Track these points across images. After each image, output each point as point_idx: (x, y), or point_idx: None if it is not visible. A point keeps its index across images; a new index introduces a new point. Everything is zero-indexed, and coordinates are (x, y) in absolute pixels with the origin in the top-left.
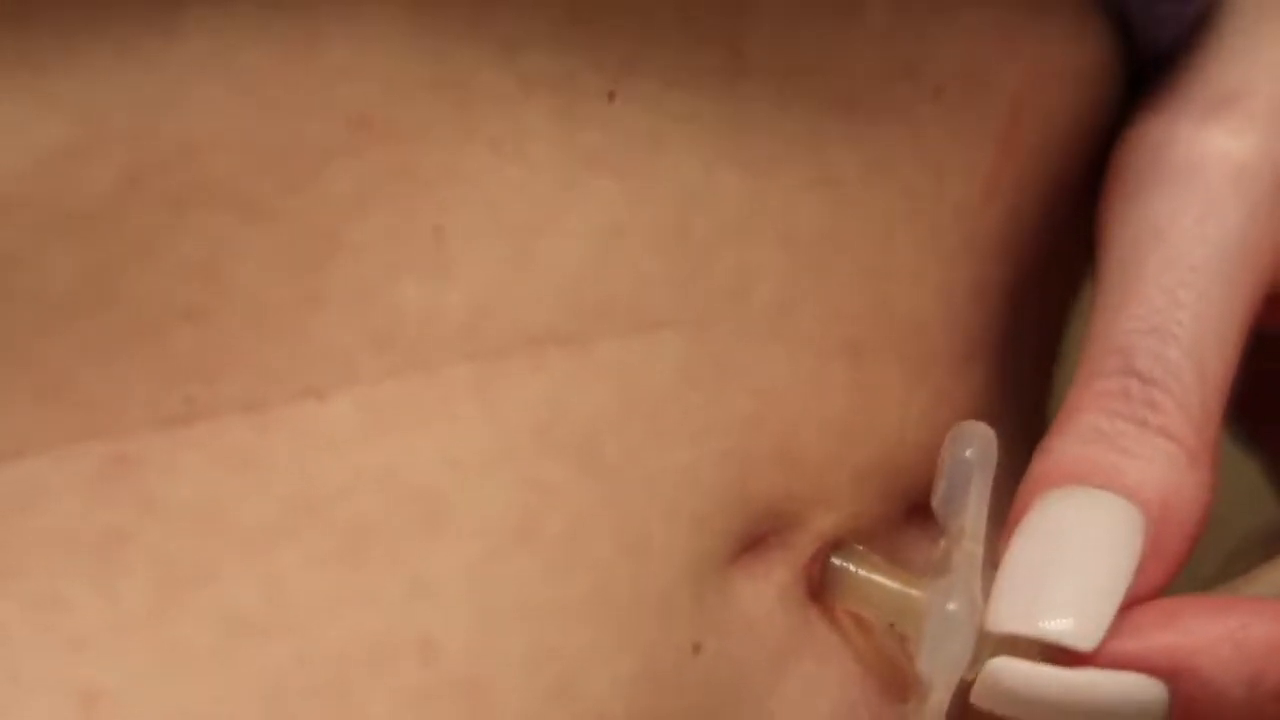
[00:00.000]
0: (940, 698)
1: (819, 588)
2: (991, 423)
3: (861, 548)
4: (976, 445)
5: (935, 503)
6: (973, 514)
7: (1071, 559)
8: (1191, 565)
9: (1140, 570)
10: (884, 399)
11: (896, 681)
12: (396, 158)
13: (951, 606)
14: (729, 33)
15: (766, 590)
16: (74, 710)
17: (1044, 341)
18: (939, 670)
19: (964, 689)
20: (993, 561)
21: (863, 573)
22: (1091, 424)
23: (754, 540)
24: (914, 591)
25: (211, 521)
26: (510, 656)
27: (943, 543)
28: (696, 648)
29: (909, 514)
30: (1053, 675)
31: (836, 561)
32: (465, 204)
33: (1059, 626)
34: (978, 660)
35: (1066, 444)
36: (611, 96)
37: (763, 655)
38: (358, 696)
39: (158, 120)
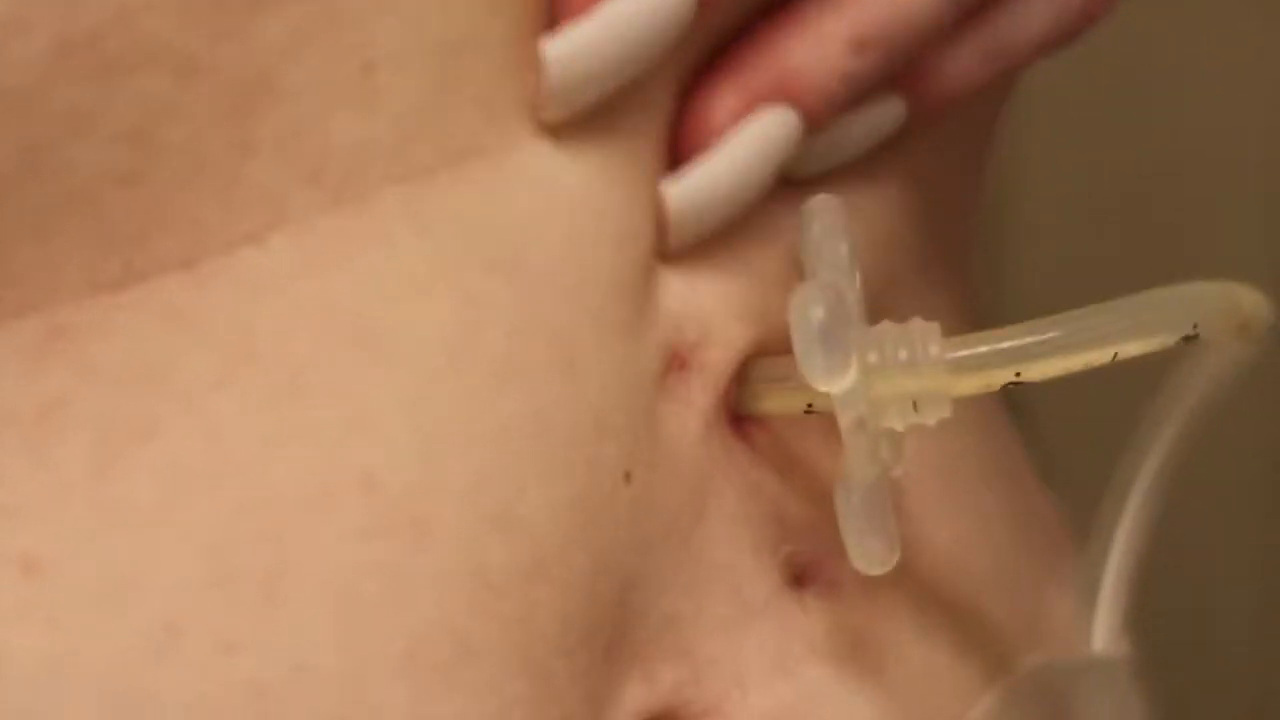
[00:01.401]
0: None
1: (737, 412)
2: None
3: (776, 358)
4: (818, 204)
5: (803, 261)
6: (825, 252)
7: None
8: None
9: None
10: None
11: (819, 502)
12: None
13: (819, 310)
14: None
15: (690, 418)
16: (14, 578)
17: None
18: (821, 368)
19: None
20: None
21: (777, 372)
22: None
23: (674, 355)
24: None
25: (150, 379)
26: (449, 486)
27: None
28: (627, 476)
29: None
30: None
31: (752, 375)
32: (391, 35)
33: None
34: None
35: None
36: None
37: (688, 490)
38: (301, 539)
39: None
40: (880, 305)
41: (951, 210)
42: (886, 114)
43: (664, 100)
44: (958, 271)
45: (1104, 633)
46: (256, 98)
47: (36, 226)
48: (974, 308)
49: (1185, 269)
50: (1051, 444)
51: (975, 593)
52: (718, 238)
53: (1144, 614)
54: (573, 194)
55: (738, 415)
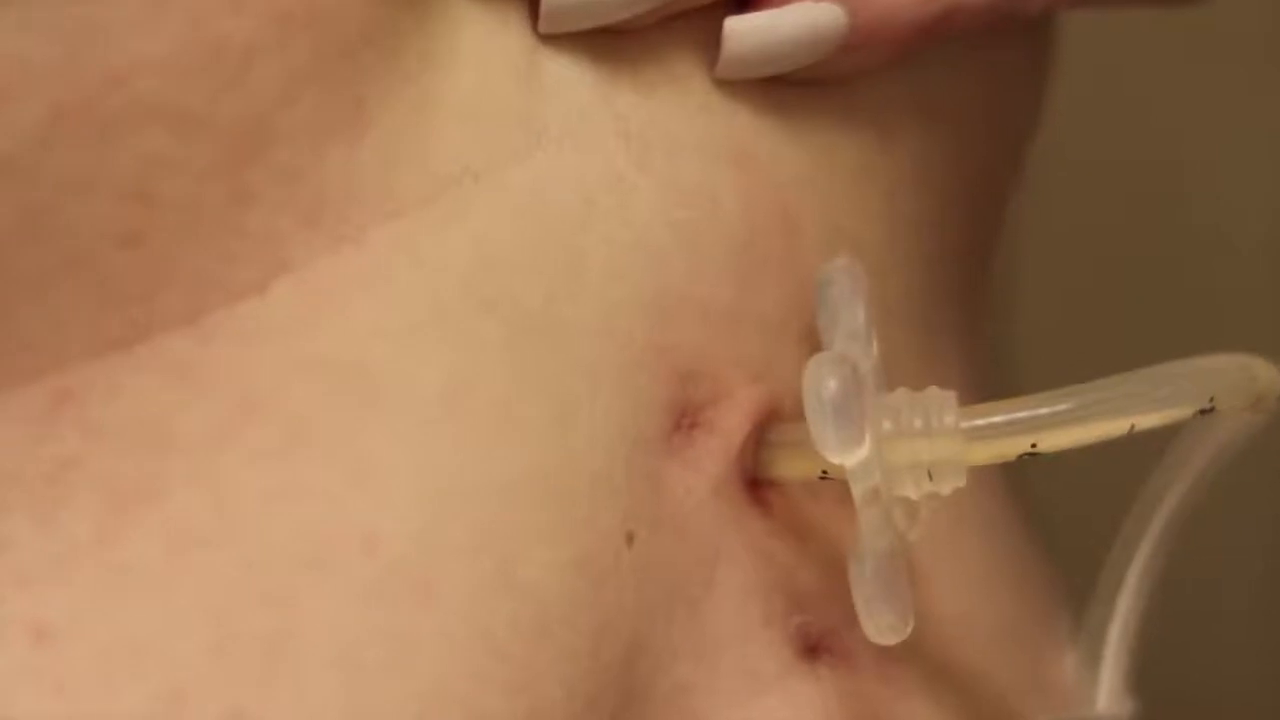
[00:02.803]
0: (862, 471)
1: (752, 475)
2: (903, 248)
3: (791, 424)
4: (836, 268)
5: (820, 328)
6: (842, 318)
7: None
8: None
9: None
10: (774, 219)
11: (832, 571)
12: (319, 43)
13: (832, 382)
14: None
15: (699, 483)
16: (24, 645)
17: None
18: (834, 441)
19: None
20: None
21: (793, 437)
22: None
23: (681, 414)
24: None
25: (155, 438)
26: (451, 544)
27: None
28: (630, 537)
29: None
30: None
31: (767, 440)
32: (379, 68)
33: None
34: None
35: None
36: None
37: (696, 555)
38: (304, 600)
39: (81, 52)
40: (890, 361)
41: (965, 232)
42: (821, 16)
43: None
44: (975, 317)
45: (1108, 693)
46: (254, 145)
47: (40, 289)
48: (988, 358)
49: (1194, 336)
50: (1054, 501)
51: (982, 656)
52: (734, 294)
53: (1146, 674)
54: (556, 219)
55: (752, 479)
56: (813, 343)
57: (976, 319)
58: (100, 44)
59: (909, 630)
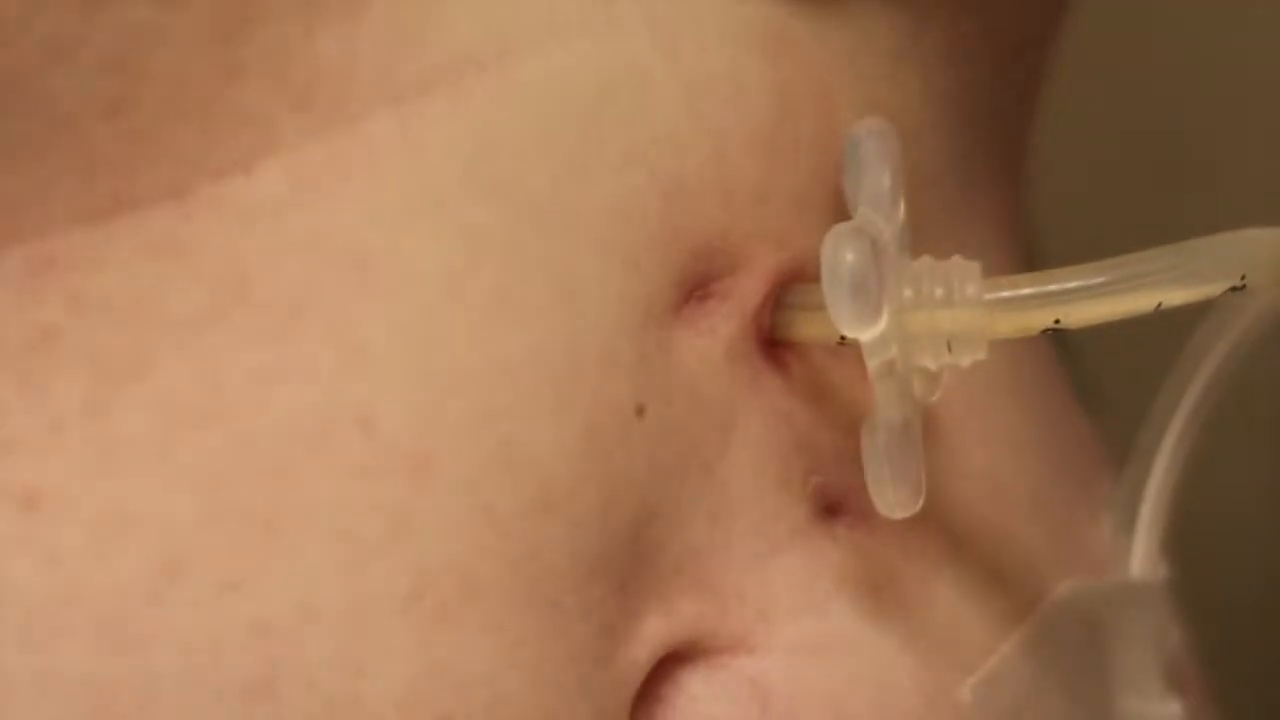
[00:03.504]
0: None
1: (769, 334)
2: (939, 124)
3: (810, 286)
4: (864, 129)
5: (845, 191)
6: (866, 182)
7: None
8: None
9: None
10: (808, 100)
11: (852, 431)
12: None
13: (850, 256)
14: None
15: (712, 347)
16: (13, 511)
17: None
18: (850, 316)
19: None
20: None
21: (811, 301)
22: None
23: (695, 286)
24: None
25: (142, 312)
26: (450, 423)
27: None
28: (640, 410)
29: None
30: None
31: (786, 302)
32: None
33: None
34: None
35: None
36: None
37: (710, 419)
38: (300, 478)
39: None
40: (911, 202)
41: (998, 108)
42: None
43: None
44: (1003, 176)
45: (1142, 557)
46: (240, 19)
47: (21, 155)
48: (1019, 218)
49: (1226, 209)
50: (1091, 366)
51: (1009, 520)
52: (761, 174)
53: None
54: (571, 110)
55: (770, 339)
56: (841, 209)
57: (1011, 187)
58: None
59: (919, 506)
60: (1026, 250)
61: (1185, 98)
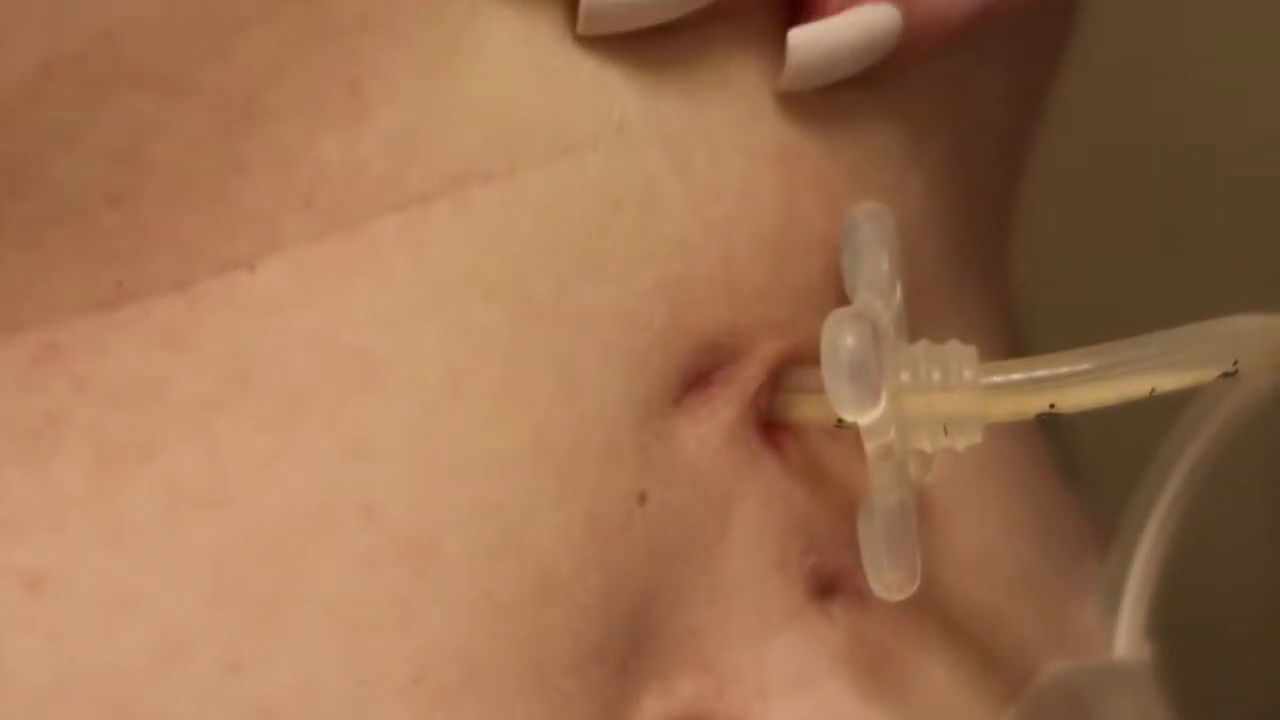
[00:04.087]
0: (875, 427)
1: (767, 418)
2: (938, 222)
3: (809, 369)
4: (863, 213)
5: (844, 274)
6: (865, 266)
7: None
8: None
9: None
10: (817, 207)
11: (848, 512)
12: (311, 17)
13: (850, 340)
14: None
15: (712, 432)
16: (17, 592)
17: (1004, 145)
18: (849, 400)
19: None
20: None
21: (810, 384)
22: None
23: (697, 377)
24: None
25: (145, 398)
26: (453, 513)
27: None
28: (642, 497)
29: None
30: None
31: (784, 385)
32: (380, 53)
33: None
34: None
35: None
36: None
37: (709, 503)
38: (304, 563)
39: (71, 8)
40: (911, 300)
41: (988, 199)
42: (879, 20)
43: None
44: (994, 264)
45: (1127, 637)
46: (244, 117)
47: (26, 241)
48: (1007, 307)
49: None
50: (1079, 446)
51: (1000, 601)
52: (767, 275)
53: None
54: (579, 221)
55: (768, 421)
56: (844, 297)
57: (1000, 270)
58: (91, 2)
59: (915, 587)
60: (1016, 333)
61: (1178, 177)
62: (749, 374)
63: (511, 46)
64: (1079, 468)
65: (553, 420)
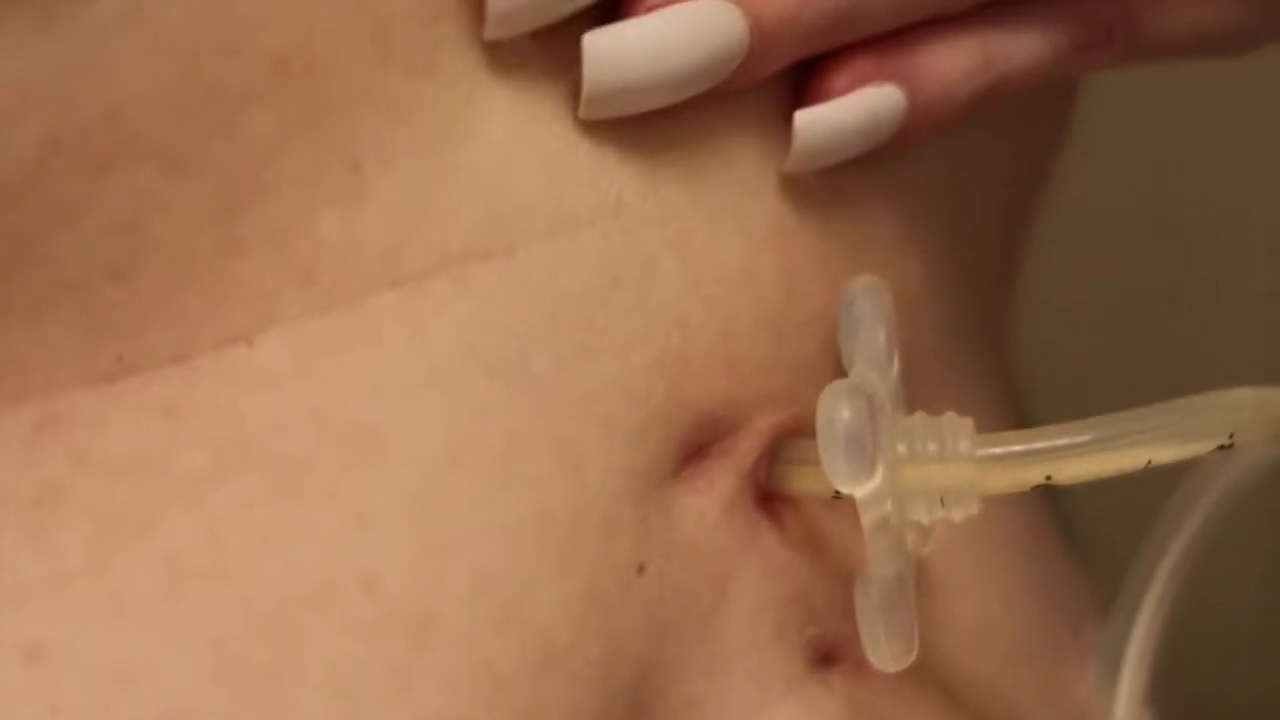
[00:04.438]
0: (872, 502)
1: (765, 490)
2: (936, 295)
3: (806, 441)
4: (859, 287)
5: (841, 347)
6: (861, 340)
7: None
8: None
9: None
10: (816, 285)
11: (846, 582)
12: (314, 95)
13: (845, 413)
14: None
15: (710, 504)
16: (17, 664)
17: (1002, 226)
18: (845, 472)
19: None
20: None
21: (807, 456)
22: None
23: (695, 449)
24: None
25: (145, 471)
26: (453, 585)
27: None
28: (641, 568)
29: None
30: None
31: (782, 456)
32: (380, 131)
33: None
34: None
35: None
36: None
37: (708, 574)
38: (304, 635)
39: (79, 85)
40: (910, 374)
41: (989, 272)
42: (884, 102)
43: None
44: (994, 334)
45: (1126, 706)
46: (244, 195)
47: (30, 314)
48: (1008, 380)
49: (1213, 364)
50: (1078, 514)
51: (999, 670)
52: (767, 350)
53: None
54: (577, 299)
55: (766, 493)
56: (840, 368)
57: (1001, 343)
58: (99, 78)
59: (912, 658)
60: (1017, 403)
61: (1176, 251)
62: (746, 446)
63: (511, 127)
64: (1078, 536)
65: (553, 493)
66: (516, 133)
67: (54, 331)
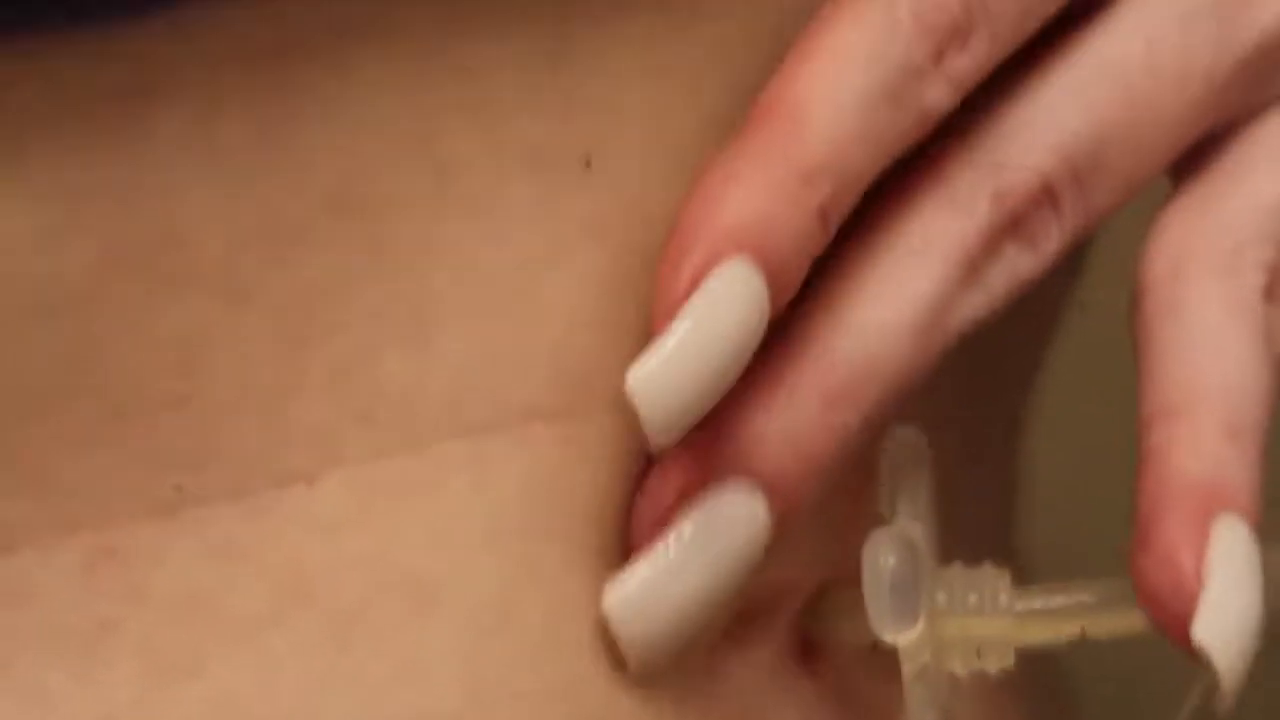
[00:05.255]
0: (911, 658)
1: (804, 643)
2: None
3: (846, 592)
4: (896, 443)
5: (880, 498)
6: (905, 491)
7: None
8: None
9: None
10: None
11: None
12: (374, 233)
13: (891, 561)
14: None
15: (754, 661)
16: None
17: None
18: (889, 620)
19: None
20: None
21: (847, 605)
22: None
23: (741, 614)
24: None
25: (200, 611)
26: None
27: None
28: None
29: None
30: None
31: (821, 608)
32: (444, 276)
33: None
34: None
35: None
36: (588, 163)
37: None
38: None
39: (138, 201)
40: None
41: (1008, 393)
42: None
43: None
44: (1007, 459)
45: None
46: (304, 330)
47: (83, 441)
48: (1017, 498)
49: None
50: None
51: None
52: (814, 536)
53: None
54: (633, 472)
55: (804, 647)
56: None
57: (1013, 471)
58: (160, 194)
59: None
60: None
61: None
62: (789, 604)
63: (574, 292)
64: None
65: (595, 659)
66: (595, 296)
67: (112, 458)
